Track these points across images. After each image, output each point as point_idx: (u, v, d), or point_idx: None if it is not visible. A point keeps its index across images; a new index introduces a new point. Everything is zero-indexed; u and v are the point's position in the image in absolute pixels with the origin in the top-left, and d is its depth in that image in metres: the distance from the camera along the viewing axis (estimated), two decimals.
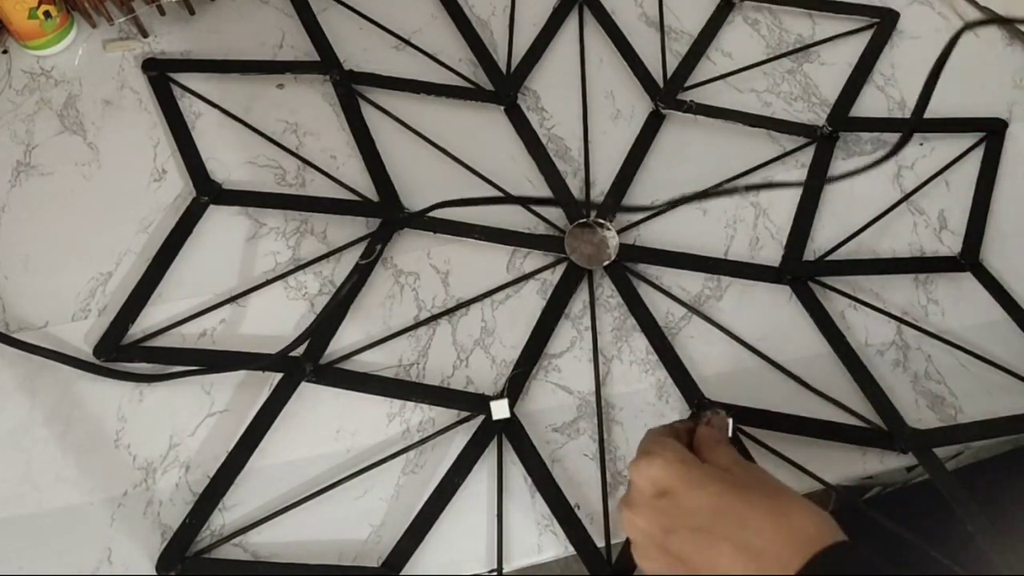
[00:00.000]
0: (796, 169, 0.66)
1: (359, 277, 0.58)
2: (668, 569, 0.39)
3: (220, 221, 0.61)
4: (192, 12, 0.70)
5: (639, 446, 0.44)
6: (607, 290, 0.60)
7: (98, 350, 0.55)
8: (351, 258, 0.60)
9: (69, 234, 0.60)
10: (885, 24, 0.73)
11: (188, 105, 0.66)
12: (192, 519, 0.50)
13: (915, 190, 0.65)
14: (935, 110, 0.68)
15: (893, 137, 0.67)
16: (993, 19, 0.69)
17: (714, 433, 0.44)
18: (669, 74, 0.69)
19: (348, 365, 0.56)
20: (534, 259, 0.61)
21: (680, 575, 0.39)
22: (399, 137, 0.65)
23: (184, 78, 0.67)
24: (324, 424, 0.55)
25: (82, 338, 0.56)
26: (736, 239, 0.63)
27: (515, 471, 0.53)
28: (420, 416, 0.55)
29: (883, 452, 0.55)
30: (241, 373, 0.55)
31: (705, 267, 0.61)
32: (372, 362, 0.57)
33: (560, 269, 0.60)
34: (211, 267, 0.59)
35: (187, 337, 0.57)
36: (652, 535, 0.40)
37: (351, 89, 0.67)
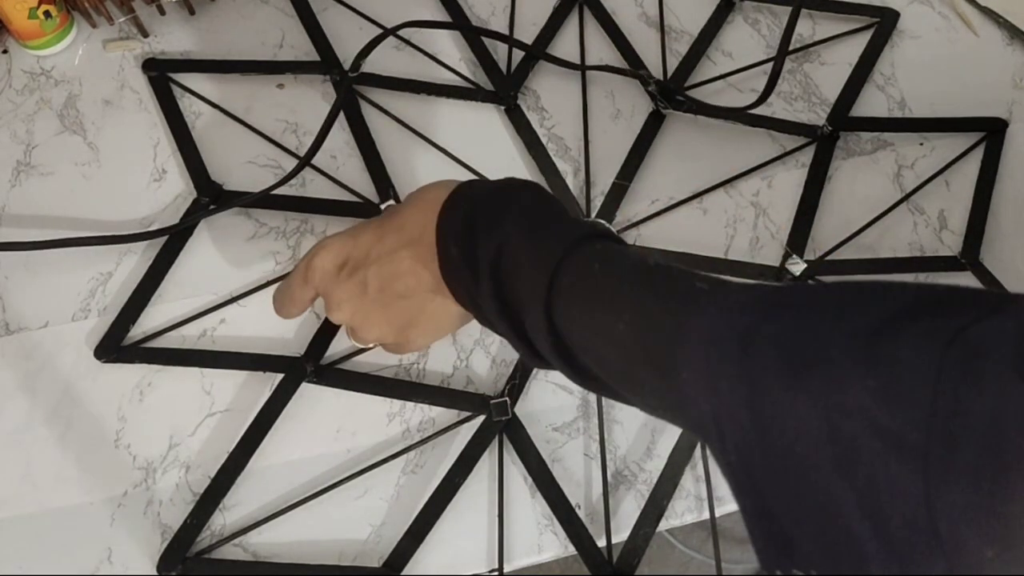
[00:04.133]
0: (796, 169, 0.66)
1: None
2: (377, 310, 0.43)
3: (220, 221, 0.61)
4: (192, 12, 0.70)
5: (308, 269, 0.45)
6: None
7: (99, 351, 0.55)
8: None
9: (69, 234, 0.60)
10: (885, 24, 0.73)
11: (188, 105, 0.66)
12: (193, 519, 0.50)
13: (915, 190, 0.65)
14: (935, 110, 0.68)
15: (893, 137, 0.67)
16: None
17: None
18: (669, 74, 0.69)
19: (348, 365, 0.56)
20: None
21: (388, 304, 0.43)
22: (399, 137, 0.65)
23: (184, 78, 0.67)
24: (324, 424, 0.55)
25: (82, 338, 0.56)
26: (736, 239, 0.63)
27: (515, 471, 0.53)
28: (420, 416, 0.55)
29: None
30: (242, 373, 0.55)
31: (705, 267, 0.61)
32: (372, 362, 0.57)
33: None
34: (211, 267, 0.59)
35: (187, 338, 0.57)
36: (354, 298, 0.43)
37: (351, 89, 0.67)
